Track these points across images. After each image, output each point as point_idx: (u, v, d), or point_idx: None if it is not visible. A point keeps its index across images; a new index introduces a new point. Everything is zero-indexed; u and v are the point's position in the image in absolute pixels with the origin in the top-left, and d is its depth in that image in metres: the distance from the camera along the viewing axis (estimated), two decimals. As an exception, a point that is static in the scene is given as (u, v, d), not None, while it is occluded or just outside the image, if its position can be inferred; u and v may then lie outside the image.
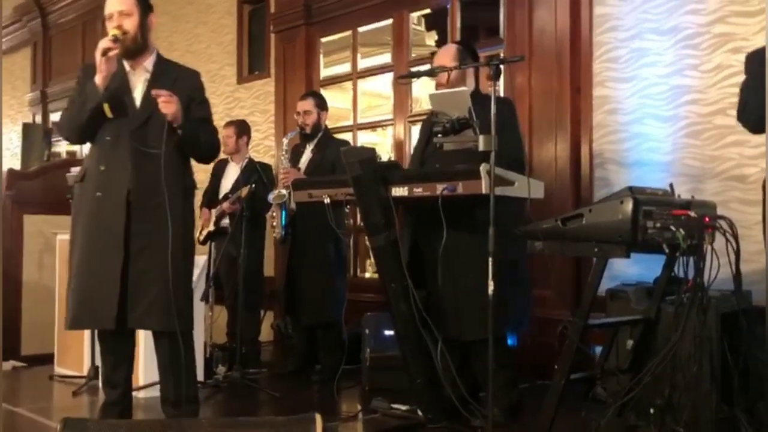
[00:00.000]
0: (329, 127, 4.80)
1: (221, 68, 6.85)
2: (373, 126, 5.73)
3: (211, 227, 5.03)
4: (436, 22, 5.39)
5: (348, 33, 5.79)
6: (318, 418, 2.26)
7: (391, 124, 5.48)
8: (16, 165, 8.50)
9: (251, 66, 6.76)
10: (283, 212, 4.50)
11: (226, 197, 4.94)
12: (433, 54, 5.32)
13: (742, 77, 2.91)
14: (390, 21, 5.47)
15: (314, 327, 4.58)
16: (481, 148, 2.80)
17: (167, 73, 3.11)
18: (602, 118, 4.29)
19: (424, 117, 5.13)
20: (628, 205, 2.63)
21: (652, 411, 2.83)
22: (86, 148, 3.27)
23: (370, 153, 3.26)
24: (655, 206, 2.67)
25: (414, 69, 4.02)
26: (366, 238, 5.48)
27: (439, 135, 2.95)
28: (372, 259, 5.57)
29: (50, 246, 5.42)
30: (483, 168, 2.82)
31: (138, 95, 3.05)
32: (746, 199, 3.68)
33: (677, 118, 3.99)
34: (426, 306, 3.16)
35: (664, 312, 2.99)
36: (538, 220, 2.98)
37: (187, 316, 3.05)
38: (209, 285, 4.69)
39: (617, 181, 4.14)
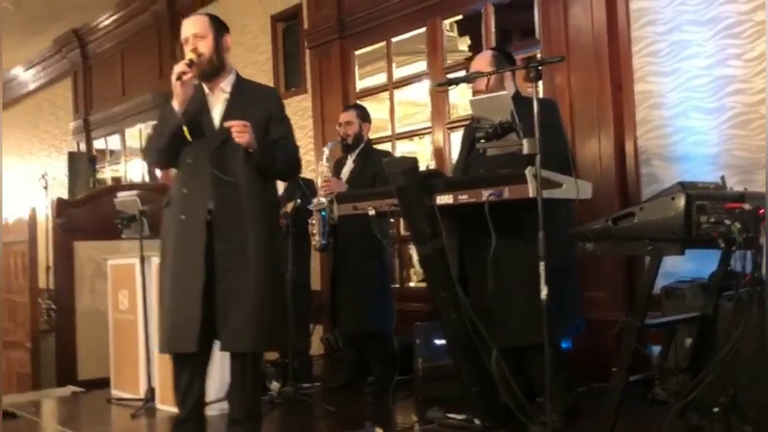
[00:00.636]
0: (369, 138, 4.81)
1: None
2: (411, 135, 5.72)
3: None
4: (468, 27, 5.38)
5: (382, 44, 5.81)
6: (378, 432, 2.25)
7: (429, 132, 5.47)
8: (63, 194, 8.68)
9: (287, 82, 6.82)
10: (323, 219, 4.51)
11: (270, 214, 4.97)
12: (468, 59, 5.37)
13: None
14: (423, 29, 5.47)
15: (361, 337, 4.58)
16: (525, 151, 2.76)
17: (245, 93, 3.13)
18: (645, 114, 4.22)
19: (463, 123, 5.14)
20: (681, 201, 2.58)
21: (716, 410, 2.77)
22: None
23: (412, 163, 3.26)
24: (708, 200, 2.62)
25: (451, 76, 4.01)
26: (411, 247, 5.52)
27: (482, 141, 2.91)
28: (417, 268, 5.57)
29: (101, 271, 5.51)
30: (529, 171, 2.79)
31: (216, 117, 3.07)
32: (800, 188, 3.59)
33: (723, 110, 3.90)
34: (476, 313, 3.13)
35: (723, 308, 2.91)
36: (586, 220, 2.95)
37: (274, 335, 3.04)
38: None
39: (664, 176, 4.07)
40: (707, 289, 3.20)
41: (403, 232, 5.57)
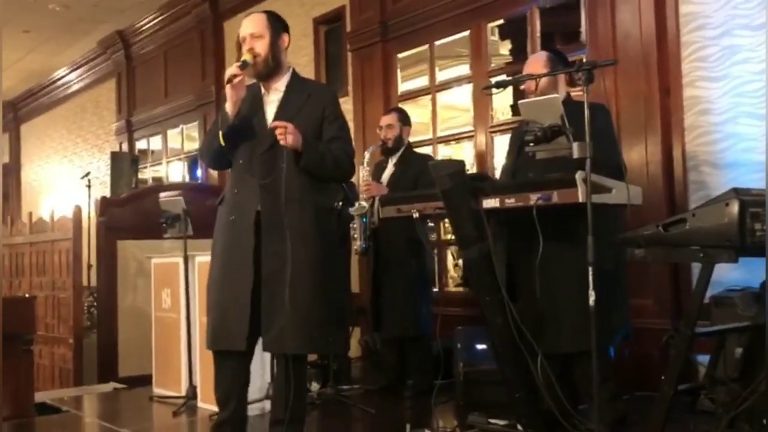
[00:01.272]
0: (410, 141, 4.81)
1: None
2: (453, 139, 5.70)
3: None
4: (510, 31, 5.35)
5: (424, 47, 5.80)
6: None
7: (471, 136, 5.44)
8: (106, 193, 8.81)
9: (329, 85, 6.83)
10: (364, 224, 4.52)
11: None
12: (509, 63, 5.34)
13: None
14: (467, 33, 5.45)
15: (401, 340, 4.57)
16: (575, 155, 2.73)
17: (299, 92, 3.09)
18: (694, 120, 4.15)
19: (506, 127, 5.12)
20: (734, 208, 2.54)
21: (766, 422, 2.71)
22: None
23: (459, 166, 3.24)
24: (762, 207, 2.56)
25: (496, 79, 3.98)
26: (450, 251, 5.50)
27: (531, 144, 2.89)
28: (454, 273, 5.54)
29: (144, 270, 5.58)
30: (579, 176, 2.76)
31: (269, 117, 3.04)
32: None
33: (775, 116, 3.83)
34: (523, 318, 3.10)
35: (776, 318, 2.85)
36: (634, 227, 2.91)
37: (318, 339, 2.97)
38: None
39: (713, 183, 4.00)
40: (758, 298, 3.15)
41: (443, 236, 5.55)
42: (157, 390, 4.73)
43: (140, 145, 10.03)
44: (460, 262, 5.29)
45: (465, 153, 5.57)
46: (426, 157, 4.71)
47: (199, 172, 8.70)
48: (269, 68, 3.04)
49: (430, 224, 5.41)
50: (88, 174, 9.46)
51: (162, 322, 4.79)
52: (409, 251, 4.38)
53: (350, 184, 5.03)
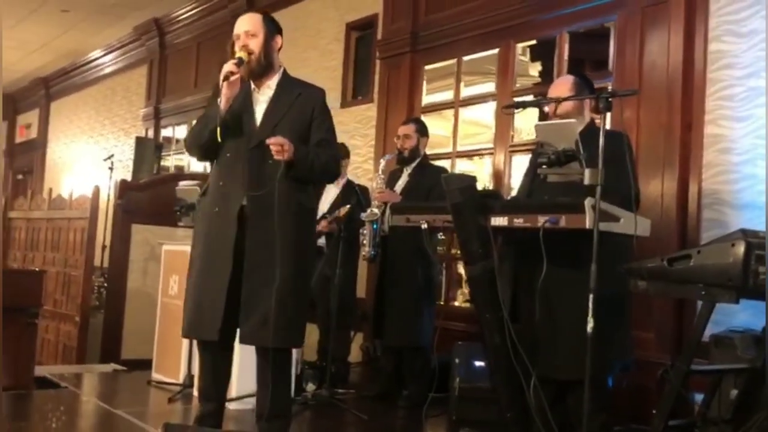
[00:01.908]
0: (428, 153, 4.83)
1: (326, 92, 6.99)
2: (473, 154, 5.72)
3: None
4: (541, 53, 5.36)
5: (452, 61, 5.82)
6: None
7: (491, 154, 5.46)
8: (127, 176, 8.91)
9: (355, 90, 6.88)
10: (374, 230, 4.54)
11: (323, 217, 5.02)
12: (536, 85, 5.35)
13: None
14: (496, 51, 5.47)
15: (400, 350, 4.58)
16: (586, 181, 2.74)
17: (289, 91, 3.15)
18: (713, 157, 4.14)
19: (525, 147, 5.13)
20: (740, 248, 2.53)
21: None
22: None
23: (470, 181, 3.26)
24: (769, 251, 2.56)
25: (519, 99, 3.99)
26: (458, 265, 5.50)
27: (544, 166, 2.91)
28: (463, 288, 5.54)
29: (155, 255, 5.65)
30: (588, 202, 2.76)
31: (259, 114, 3.10)
32: None
33: (794, 161, 3.80)
34: (521, 339, 3.10)
35: (774, 363, 2.84)
36: (642, 258, 2.90)
37: (292, 333, 3.04)
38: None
39: (727, 223, 3.98)
40: (759, 341, 3.13)
41: (453, 249, 5.55)
42: (156, 375, 4.77)
43: (165, 132, 10.13)
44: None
45: (483, 170, 5.58)
46: (441, 170, 4.71)
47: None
48: (261, 67, 3.09)
49: (441, 237, 5.42)
50: (111, 156, 9.58)
51: (167, 308, 4.84)
52: (416, 262, 4.39)
53: (363, 188, 5.08)
